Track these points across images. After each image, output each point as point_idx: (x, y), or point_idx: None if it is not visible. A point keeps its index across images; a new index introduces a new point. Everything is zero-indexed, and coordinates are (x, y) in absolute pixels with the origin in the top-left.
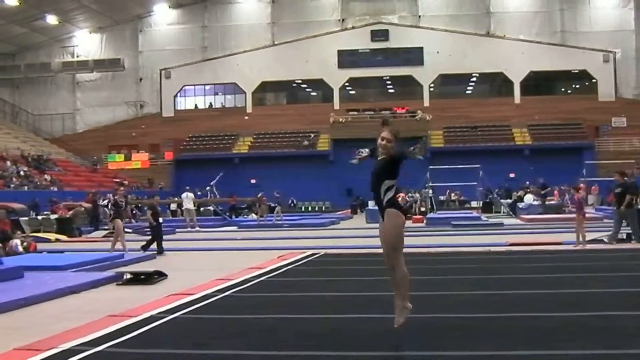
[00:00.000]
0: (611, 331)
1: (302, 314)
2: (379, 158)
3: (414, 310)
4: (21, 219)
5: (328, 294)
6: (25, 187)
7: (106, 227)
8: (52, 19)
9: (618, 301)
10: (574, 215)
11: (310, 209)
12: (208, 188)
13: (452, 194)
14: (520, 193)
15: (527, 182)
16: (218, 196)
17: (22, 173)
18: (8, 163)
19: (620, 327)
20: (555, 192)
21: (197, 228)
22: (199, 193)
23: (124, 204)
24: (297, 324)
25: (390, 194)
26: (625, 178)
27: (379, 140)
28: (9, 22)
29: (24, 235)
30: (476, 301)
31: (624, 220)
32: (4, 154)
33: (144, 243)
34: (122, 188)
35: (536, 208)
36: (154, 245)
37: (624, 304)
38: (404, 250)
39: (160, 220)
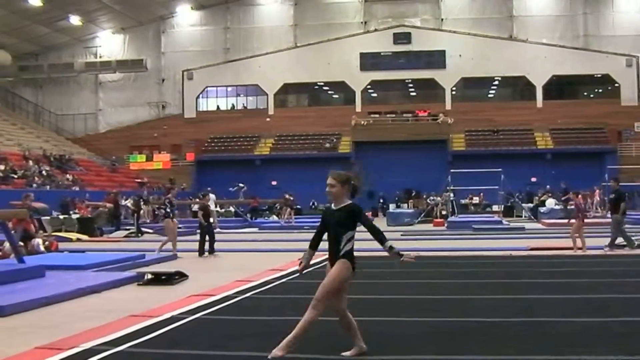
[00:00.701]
0: (634, 337)
1: (322, 316)
2: (337, 208)
3: (435, 314)
4: (43, 218)
5: (349, 297)
6: (47, 187)
7: (127, 227)
8: (75, 20)
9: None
10: (597, 220)
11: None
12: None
13: (474, 198)
14: (543, 197)
15: (548, 187)
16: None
17: (44, 172)
18: (30, 162)
19: None
20: (579, 196)
21: (218, 229)
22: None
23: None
24: (316, 326)
25: (349, 246)
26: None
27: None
28: (32, 22)
29: (45, 234)
30: (497, 305)
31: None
32: (27, 153)
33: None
34: (175, 189)
35: (557, 212)
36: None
37: None
38: None
39: (211, 220)
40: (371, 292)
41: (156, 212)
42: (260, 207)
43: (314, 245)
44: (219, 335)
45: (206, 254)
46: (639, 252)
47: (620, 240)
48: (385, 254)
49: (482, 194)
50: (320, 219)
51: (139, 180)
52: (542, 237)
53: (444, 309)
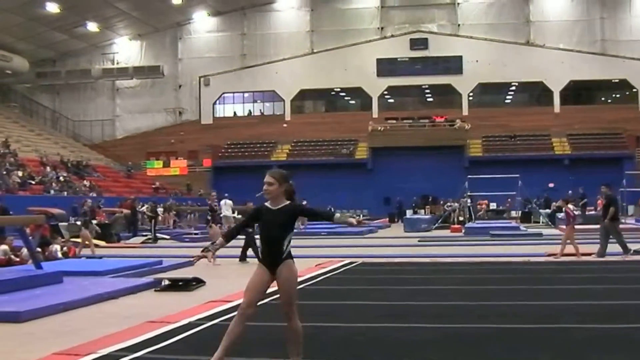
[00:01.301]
0: None
1: (341, 323)
2: (277, 207)
3: (452, 320)
4: (60, 224)
5: (366, 303)
6: (65, 193)
7: (144, 234)
8: (92, 26)
9: None
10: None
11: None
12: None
13: (483, 204)
14: (559, 203)
15: (570, 192)
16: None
17: (61, 179)
18: (48, 169)
19: None
20: (599, 201)
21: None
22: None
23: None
24: (336, 333)
25: (289, 246)
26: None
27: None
28: (50, 28)
29: (63, 240)
30: (515, 312)
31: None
32: (44, 159)
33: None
34: (214, 194)
35: (576, 218)
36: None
37: None
38: None
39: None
40: (388, 298)
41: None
42: None
43: (229, 237)
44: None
45: (248, 260)
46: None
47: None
48: (401, 259)
49: (487, 200)
50: (251, 215)
51: (154, 186)
52: (560, 243)
53: (461, 315)
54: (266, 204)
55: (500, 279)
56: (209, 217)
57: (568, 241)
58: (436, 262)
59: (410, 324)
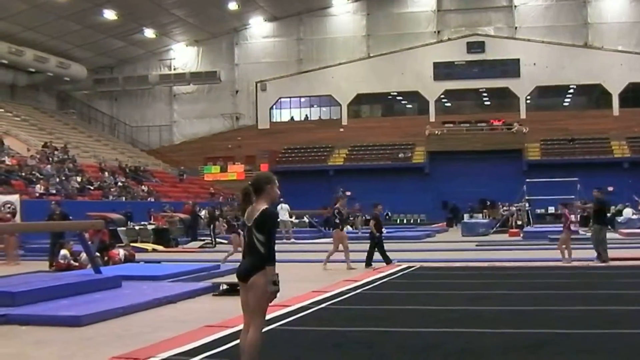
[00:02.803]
0: None
1: (399, 328)
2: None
3: (512, 325)
4: (119, 229)
5: (424, 308)
6: (123, 198)
7: (203, 238)
8: (149, 33)
9: None
10: None
11: (405, 221)
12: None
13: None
14: (619, 207)
15: (636, 197)
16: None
17: (119, 184)
18: (106, 174)
19: None
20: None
21: (293, 240)
22: None
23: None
24: (394, 338)
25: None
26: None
27: None
28: (108, 35)
29: (122, 245)
30: (575, 317)
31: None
32: (102, 165)
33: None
34: (344, 198)
35: (635, 222)
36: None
37: None
38: None
39: (384, 231)
40: (446, 303)
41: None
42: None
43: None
44: (295, 346)
45: (373, 265)
46: None
47: None
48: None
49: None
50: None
51: (211, 191)
52: (620, 247)
53: (521, 320)
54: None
55: (560, 283)
56: (337, 222)
57: (564, 246)
58: (495, 267)
59: (471, 329)
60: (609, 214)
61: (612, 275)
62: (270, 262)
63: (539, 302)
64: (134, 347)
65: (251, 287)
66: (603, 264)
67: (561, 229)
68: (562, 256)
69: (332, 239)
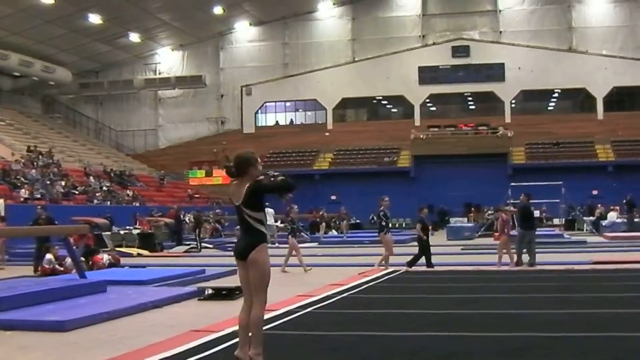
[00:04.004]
0: None
1: (385, 331)
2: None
3: (498, 329)
4: (103, 233)
5: (410, 311)
6: (108, 203)
7: (188, 243)
8: (134, 37)
9: None
10: None
11: (390, 225)
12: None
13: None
14: (601, 210)
15: (626, 199)
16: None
17: (104, 188)
18: (91, 178)
19: None
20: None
21: (277, 244)
22: None
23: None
24: (380, 342)
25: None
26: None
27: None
28: (93, 40)
29: (108, 249)
30: (561, 320)
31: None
32: (87, 169)
33: (410, 259)
34: (387, 200)
35: (620, 226)
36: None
37: None
38: None
39: (431, 234)
40: (433, 307)
41: (218, 228)
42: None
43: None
44: (280, 351)
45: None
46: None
47: None
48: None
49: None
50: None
51: (189, 194)
52: (605, 251)
53: (507, 323)
54: None
55: (546, 287)
56: (383, 224)
57: (504, 250)
58: (480, 270)
59: (458, 332)
60: (593, 218)
61: (597, 279)
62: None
63: (525, 306)
64: (119, 352)
65: (251, 264)
66: (518, 268)
67: (545, 232)
68: (498, 261)
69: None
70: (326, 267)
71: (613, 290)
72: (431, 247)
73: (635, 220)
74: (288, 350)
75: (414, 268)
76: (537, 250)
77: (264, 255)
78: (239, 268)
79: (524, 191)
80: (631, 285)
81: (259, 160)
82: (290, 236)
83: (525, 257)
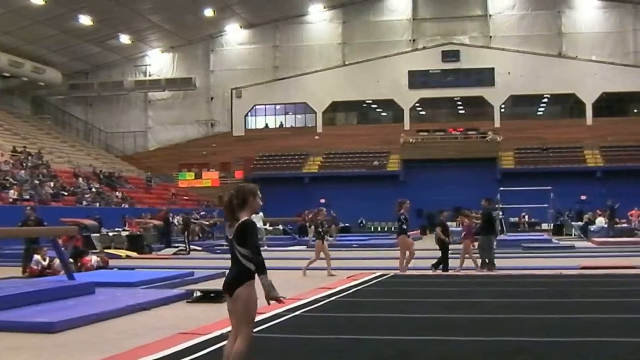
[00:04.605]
0: None
1: (373, 335)
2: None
3: (489, 333)
4: (92, 235)
5: (398, 315)
6: (97, 204)
7: (177, 245)
8: (125, 39)
9: None
10: None
11: (379, 229)
12: None
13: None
14: (589, 215)
15: (598, 211)
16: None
17: (93, 190)
18: (80, 180)
19: None
20: (633, 211)
21: (266, 247)
22: None
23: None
24: (368, 346)
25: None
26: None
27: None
28: (83, 41)
29: (96, 251)
30: (548, 325)
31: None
32: (77, 170)
33: (435, 261)
34: (408, 202)
35: (608, 231)
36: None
37: None
38: None
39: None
40: (421, 311)
41: (207, 229)
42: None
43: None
44: (268, 354)
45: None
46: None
47: None
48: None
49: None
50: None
51: (173, 192)
52: (593, 256)
53: (497, 328)
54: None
55: (534, 291)
56: (404, 227)
57: (466, 255)
58: (468, 275)
59: (443, 337)
60: (581, 223)
61: (585, 284)
62: (261, 272)
63: (514, 310)
64: (108, 353)
65: (236, 299)
66: (487, 272)
67: (533, 237)
68: (460, 265)
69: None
70: (315, 270)
71: (600, 295)
72: (431, 251)
73: (618, 225)
74: (276, 353)
75: (394, 272)
76: (525, 255)
77: (248, 291)
78: (227, 300)
79: (513, 196)
80: (618, 290)
81: (260, 194)
82: (317, 240)
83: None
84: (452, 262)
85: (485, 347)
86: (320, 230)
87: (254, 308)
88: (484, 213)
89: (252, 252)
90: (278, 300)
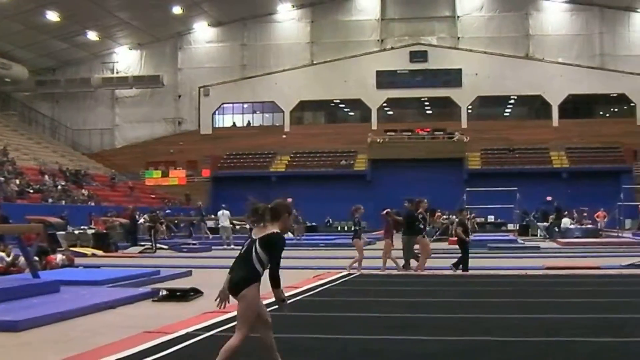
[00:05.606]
0: None
1: (338, 334)
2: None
3: (453, 332)
4: (58, 233)
5: (365, 315)
6: (63, 202)
7: (143, 243)
8: (92, 35)
9: None
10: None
11: (346, 228)
12: None
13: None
14: (552, 216)
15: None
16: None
17: (59, 187)
18: (46, 177)
19: None
20: (599, 213)
21: (233, 246)
22: None
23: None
24: (334, 345)
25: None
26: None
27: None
28: (50, 37)
29: (62, 249)
30: (515, 324)
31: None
32: (43, 168)
33: (455, 261)
34: (425, 202)
35: (573, 231)
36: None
37: None
38: None
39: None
40: (387, 310)
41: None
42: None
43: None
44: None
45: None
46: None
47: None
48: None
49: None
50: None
51: (130, 186)
52: (558, 257)
53: (462, 327)
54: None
55: (500, 291)
56: (357, 229)
57: (388, 256)
58: (434, 274)
59: (413, 336)
60: (547, 223)
61: (550, 284)
62: (276, 285)
63: (479, 310)
64: (72, 352)
65: (240, 300)
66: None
67: (499, 237)
68: (382, 265)
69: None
70: (281, 270)
71: (565, 295)
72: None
73: (585, 226)
74: (241, 352)
75: (361, 271)
76: (491, 255)
77: (253, 293)
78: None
79: (480, 196)
80: (582, 290)
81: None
82: (356, 238)
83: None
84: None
85: (448, 346)
86: (358, 228)
87: (254, 310)
88: (406, 214)
89: (274, 263)
90: (283, 301)
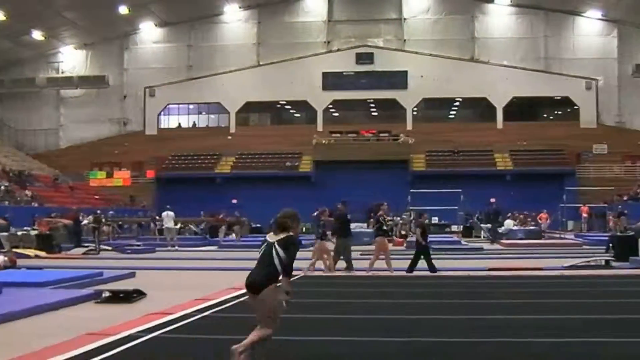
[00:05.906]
0: (594, 358)
1: (284, 336)
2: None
3: (401, 334)
4: (0, 234)
5: (315, 316)
6: (6, 202)
7: (86, 245)
8: (38, 35)
9: (599, 327)
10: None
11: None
12: None
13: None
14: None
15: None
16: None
17: (3, 188)
18: None
19: (603, 354)
20: (542, 214)
21: (177, 247)
22: None
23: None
24: (284, 347)
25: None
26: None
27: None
28: None
29: (4, 250)
30: (458, 326)
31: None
32: None
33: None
34: (386, 205)
35: (516, 233)
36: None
37: (606, 331)
38: None
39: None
40: (339, 312)
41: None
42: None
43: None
44: (175, 354)
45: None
46: (596, 273)
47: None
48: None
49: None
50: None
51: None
52: (501, 258)
53: (409, 329)
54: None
55: (444, 292)
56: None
57: (325, 255)
58: (378, 276)
59: (360, 337)
60: (490, 225)
61: (493, 285)
62: (288, 275)
63: (424, 311)
64: (15, 354)
65: (262, 300)
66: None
67: (443, 239)
68: (311, 266)
69: (374, 247)
70: (225, 271)
71: (507, 296)
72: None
73: (528, 228)
74: (182, 354)
75: (304, 273)
76: (435, 256)
77: (274, 292)
78: (249, 298)
79: (424, 198)
80: (524, 291)
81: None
82: (380, 237)
83: (343, 264)
84: (364, 264)
85: (399, 348)
86: (386, 227)
87: (275, 309)
88: (338, 217)
89: (290, 259)
90: (287, 293)
